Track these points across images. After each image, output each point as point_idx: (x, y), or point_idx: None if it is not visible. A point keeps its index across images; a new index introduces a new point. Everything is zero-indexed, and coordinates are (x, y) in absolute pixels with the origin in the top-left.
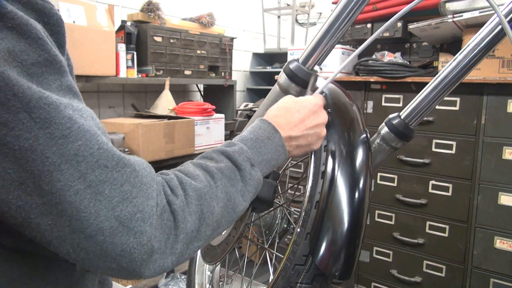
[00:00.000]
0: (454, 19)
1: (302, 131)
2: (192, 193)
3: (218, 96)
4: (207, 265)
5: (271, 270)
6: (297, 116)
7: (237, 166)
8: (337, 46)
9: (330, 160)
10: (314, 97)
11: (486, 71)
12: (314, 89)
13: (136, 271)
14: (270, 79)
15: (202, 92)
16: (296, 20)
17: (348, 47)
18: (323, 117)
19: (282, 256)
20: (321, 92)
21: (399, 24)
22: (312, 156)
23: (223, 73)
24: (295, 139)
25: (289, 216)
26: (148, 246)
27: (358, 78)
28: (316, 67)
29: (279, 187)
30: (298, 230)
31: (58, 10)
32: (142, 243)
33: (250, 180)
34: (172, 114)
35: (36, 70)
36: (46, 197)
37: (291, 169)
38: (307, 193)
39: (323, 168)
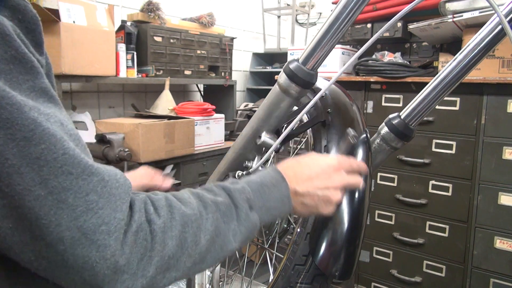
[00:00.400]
0: (454, 19)
1: (308, 189)
2: (178, 218)
3: (218, 96)
4: None
5: (271, 270)
6: (306, 173)
7: (235, 204)
8: (337, 46)
9: None
10: (331, 158)
11: (486, 71)
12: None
13: (100, 287)
14: (270, 79)
15: (202, 92)
16: (296, 20)
17: (348, 47)
18: (338, 180)
19: (282, 256)
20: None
21: (399, 24)
22: (313, 148)
23: (223, 73)
24: (301, 196)
25: (289, 216)
26: (111, 261)
27: (358, 78)
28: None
29: None
30: (298, 230)
31: (58, 9)
32: (105, 257)
33: (246, 221)
34: (172, 114)
35: (3, 67)
36: (6, 199)
37: None
38: None
39: None
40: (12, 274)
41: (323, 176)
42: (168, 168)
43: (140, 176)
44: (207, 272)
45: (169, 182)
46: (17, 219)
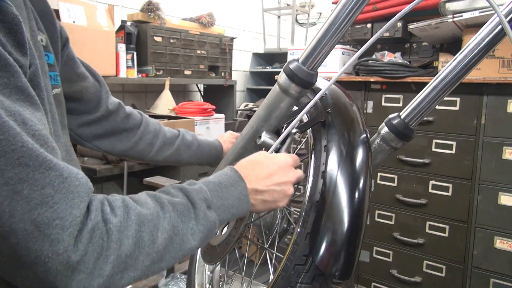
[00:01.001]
0: (454, 19)
1: (268, 186)
2: (134, 217)
3: (218, 96)
4: (207, 265)
5: (271, 270)
6: (265, 171)
7: (192, 204)
8: (337, 46)
9: (330, 160)
10: (285, 155)
11: (486, 71)
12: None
13: (53, 284)
14: (270, 79)
15: (202, 92)
16: (296, 20)
17: (348, 47)
18: (292, 175)
19: (282, 256)
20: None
21: (399, 24)
22: (312, 156)
23: (223, 73)
24: (260, 193)
25: (289, 216)
26: (64, 257)
27: (358, 78)
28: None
29: None
30: (298, 230)
31: (59, 10)
32: (58, 253)
33: (204, 220)
34: (172, 114)
35: None
36: None
37: None
38: (307, 193)
39: (323, 168)
40: None
41: (280, 172)
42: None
43: (229, 138)
44: (207, 272)
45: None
46: None
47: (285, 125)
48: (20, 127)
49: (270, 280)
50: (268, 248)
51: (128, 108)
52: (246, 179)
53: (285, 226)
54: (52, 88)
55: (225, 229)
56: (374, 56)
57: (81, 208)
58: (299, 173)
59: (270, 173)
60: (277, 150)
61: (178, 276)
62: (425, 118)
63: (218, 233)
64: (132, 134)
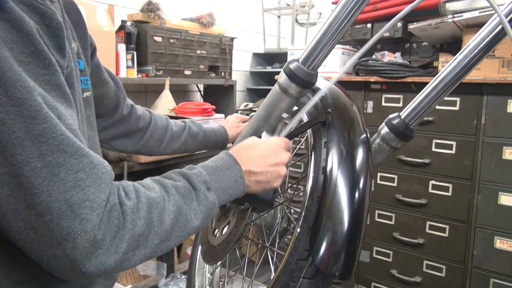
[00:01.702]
0: (454, 19)
1: (261, 167)
2: (145, 200)
3: (218, 96)
4: (207, 266)
5: (272, 268)
6: (257, 153)
7: (193, 187)
8: (337, 46)
9: (330, 159)
10: (276, 138)
11: (486, 71)
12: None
13: (78, 261)
14: (270, 79)
15: (202, 92)
16: (296, 20)
17: (348, 47)
18: (284, 157)
19: (283, 253)
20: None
21: (399, 24)
22: (313, 152)
23: (223, 73)
24: (255, 175)
25: (289, 215)
26: (91, 235)
27: (358, 78)
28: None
29: (278, 187)
30: (300, 224)
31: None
32: (86, 230)
33: (204, 201)
34: (172, 114)
35: (23, 59)
36: (8, 168)
37: (290, 168)
38: (308, 188)
39: (323, 164)
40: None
41: (272, 154)
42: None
43: (234, 122)
44: (207, 274)
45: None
46: (15, 187)
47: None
48: (55, 118)
49: (271, 278)
50: (269, 246)
51: (139, 109)
52: (240, 162)
53: (285, 226)
54: (82, 92)
55: (225, 229)
56: (374, 56)
57: (106, 192)
58: (289, 155)
59: (263, 155)
60: None
61: (178, 276)
62: (425, 118)
63: (218, 233)
64: (143, 133)
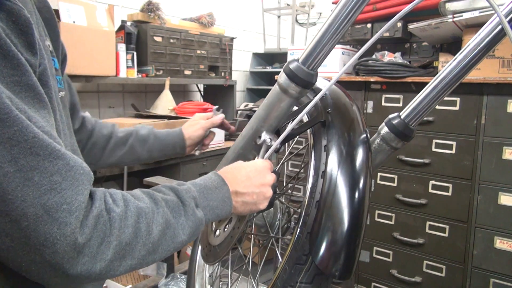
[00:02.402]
0: (454, 19)
1: (248, 188)
2: (133, 209)
3: (218, 96)
4: (207, 266)
5: (279, 258)
6: (243, 174)
7: (182, 202)
8: (337, 46)
9: (330, 160)
10: (261, 160)
11: (486, 71)
12: (264, 154)
13: (60, 266)
14: (270, 79)
15: (202, 92)
16: (296, 20)
17: (348, 47)
18: (269, 179)
19: (286, 247)
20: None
21: (399, 24)
22: (312, 155)
23: (223, 73)
24: (241, 195)
25: (290, 207)
26: (71, 239)
27: (358, 78)
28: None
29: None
30: (298, 229)
31: (54, 10)
32: (66, 235)
33: (192, 216)
34: (172, 114)
35: None
36: None
37: (290, 168)
38: (307, 192)
39: (323, 168)
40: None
41: (258, 175)
42: (215, 109)
43: (199, 121)
44: (206, 274)
45: (220, 116)
46: None
47: (285, 125)
48: (25, 119)
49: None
50: (274, 235)
51: (83, 117)
52: (227, 182)
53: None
54: (58, 91)
55: (226, 228)
56: (374, 56)
57: (85, 195)
58: (275, 176)
59: (250, 176)
60: (277, 151)
61: (178, 276)
62: (425, 118)
63: (218, 233)
64: (85, 142)
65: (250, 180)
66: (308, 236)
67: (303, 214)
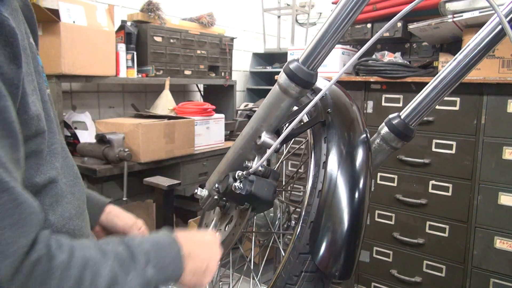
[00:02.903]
0: (454, 19)
1: (201, 254)
2: (79, 259)
3: (218, 96)
4: None
5: (282, 253)
6: (198, 238)
7: (133, 256)
8: (337, 46)
9: (330, 159)
10: (210, 235)
11: (486, 71)
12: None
13: None
14: (270, 79)
15: (202, 92)
16: (296, 20)
17: (348, 47)
18: (216, 252)
19: (288, 241)
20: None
21: (399, 24)
22: (313, 152)
23: (223, 73)
24: (193, 259)
25: (290, 204)
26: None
27: (358, 78)
28: None
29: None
30: (302, 218)
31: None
32: None
33: (143, 273)
34: (172, 114)
35: None
36: None
37: (290, 168)
38: (309, 184)
39: (324, 158)
40: None
41: (209, 245)
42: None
43: (128, 221)
44: None
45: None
46: None
47: (285, 125)
48: None
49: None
50: (275, 231)
51: None
52: (181, 243)
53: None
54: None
55: (227, 227)
56: (374, 56)
57: (29, 238)
58: (221, 252)
59: (203, 241)
60: (277, 150)
61: None
62: (425, 118)
63: (220, 232)
64: None
65: (204, 245)
66: (311, 225)
67: (305, 204)
